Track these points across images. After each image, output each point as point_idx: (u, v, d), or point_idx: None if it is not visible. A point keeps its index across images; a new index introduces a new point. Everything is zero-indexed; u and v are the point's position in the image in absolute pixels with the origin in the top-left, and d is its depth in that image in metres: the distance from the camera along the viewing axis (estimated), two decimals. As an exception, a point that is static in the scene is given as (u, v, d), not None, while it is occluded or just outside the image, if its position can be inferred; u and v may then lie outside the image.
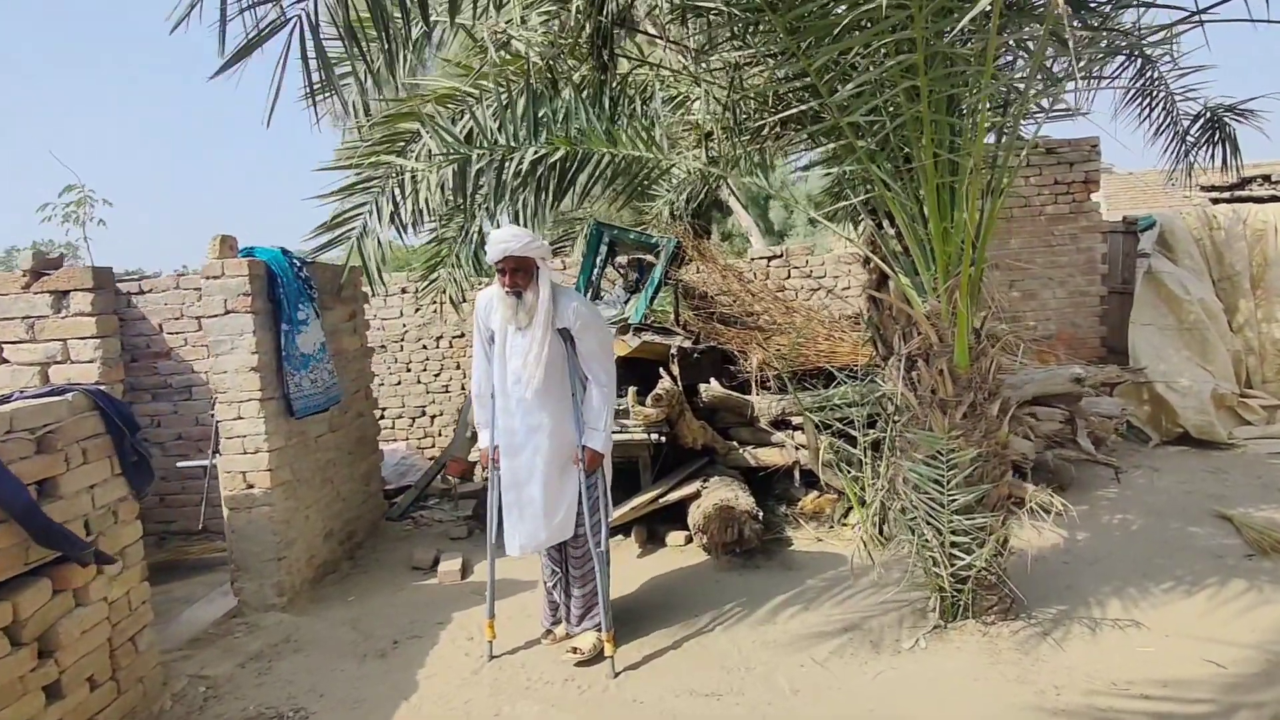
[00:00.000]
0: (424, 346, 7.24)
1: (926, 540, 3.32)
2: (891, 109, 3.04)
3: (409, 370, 7.27)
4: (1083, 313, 6.76)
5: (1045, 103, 3.14)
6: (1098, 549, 4.19)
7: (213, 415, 4.01)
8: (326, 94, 2.87)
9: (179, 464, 5.02)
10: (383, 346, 7.18)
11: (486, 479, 3.60)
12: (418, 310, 7.20)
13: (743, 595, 3.90)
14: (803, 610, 3.71)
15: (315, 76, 2.44)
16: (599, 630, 3.34)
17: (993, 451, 3.27)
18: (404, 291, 7.21)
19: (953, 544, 3.28)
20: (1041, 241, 6.65)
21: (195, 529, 5.25)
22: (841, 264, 7.27)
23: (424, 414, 7.30)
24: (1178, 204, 11.00)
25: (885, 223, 3.62)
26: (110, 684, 2.94)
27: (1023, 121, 3.12)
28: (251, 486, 3.97)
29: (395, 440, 7.17)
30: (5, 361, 3.43)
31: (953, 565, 3.28)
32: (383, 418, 7.19)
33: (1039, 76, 2.94)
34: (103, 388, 3.08)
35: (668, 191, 6.96)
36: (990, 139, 3.29)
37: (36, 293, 3.25)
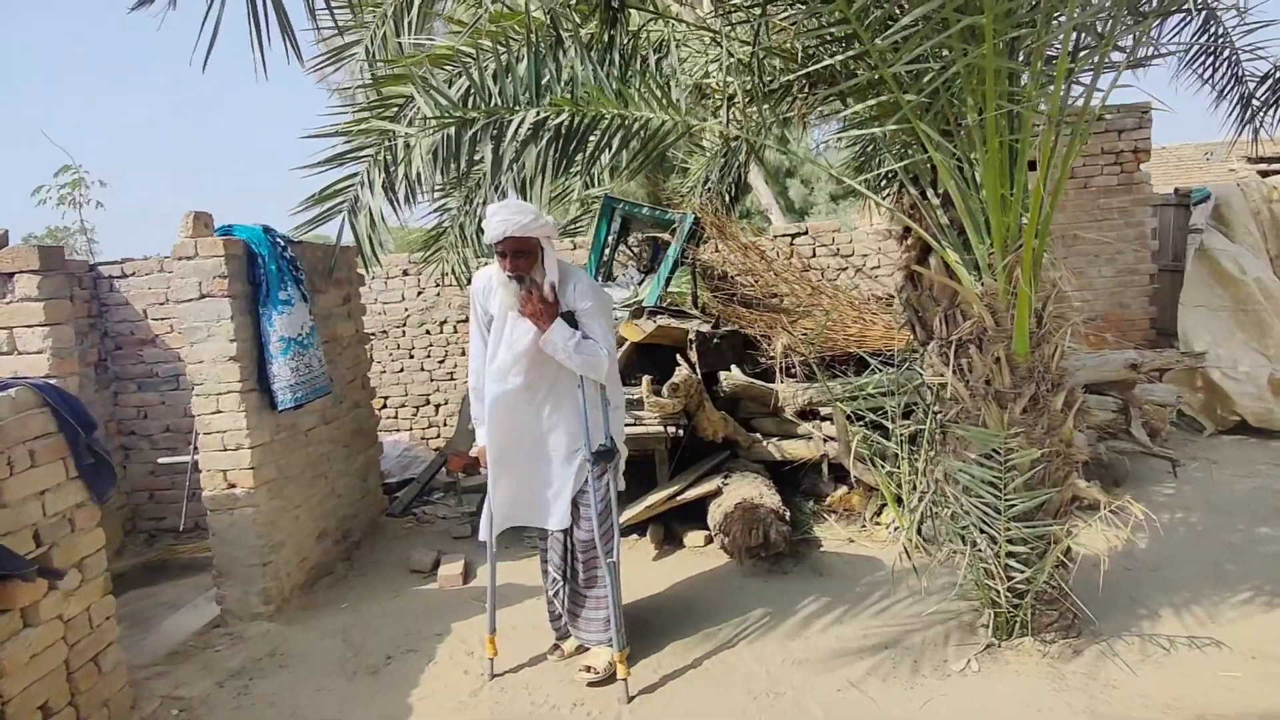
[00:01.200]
0: (427, 331, 6.89)
1: (980, 550, 2.94)
2: (943, 57, 2.64)
3: (411, 356, 6.93)
4: (1131, 292, 6.29)
5: (1126, 45, 2.71)
6: (1159, 553, 3.80)
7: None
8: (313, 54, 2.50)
9: (160, 460, 4.71)
10: (383, 331, 6.85)
11: None
12: (420, 293, 6.85)
13: (769, 604, 3.55)
14: (836, 623, 3.36)
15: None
16: (611, 646, 2.99)
17: (1056, 451, 2.88)
18: (405, 273, 6.85)
19: (1009, 554, 2.91)
20: (1089, 215, 6.17)
21: (185, 527, 4.96)
22: (871, 240, 6.83)
23: (428, 402, 6.97)
24: (1214, 178, 10.43)
25: (930, 191, 3.21)
26: (68, 710, 2.66)
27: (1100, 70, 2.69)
28: (233, 486, 3.65)
29: (398, 430, 6.85)
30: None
31: (1010, 579, 2.90)
32: (384, 407, 6.86)
33: (1125, 12, 2.51)
34: (53, 381, 2.76)
35: (698, 166, 6.51)
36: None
37: (-23, 277, 2.92)
